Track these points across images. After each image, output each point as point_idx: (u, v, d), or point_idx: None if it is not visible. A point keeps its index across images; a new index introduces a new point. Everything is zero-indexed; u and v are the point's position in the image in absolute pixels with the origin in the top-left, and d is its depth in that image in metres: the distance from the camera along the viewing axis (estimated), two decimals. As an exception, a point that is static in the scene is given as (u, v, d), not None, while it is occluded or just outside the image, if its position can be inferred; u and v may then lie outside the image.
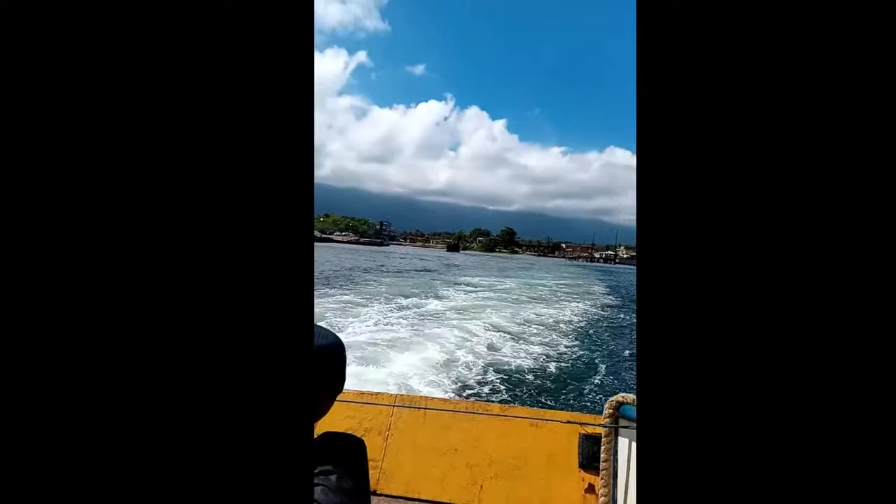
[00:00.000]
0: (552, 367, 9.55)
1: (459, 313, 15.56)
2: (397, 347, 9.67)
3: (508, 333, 12.70)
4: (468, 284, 27.88)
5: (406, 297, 19.04)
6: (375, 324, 12.65)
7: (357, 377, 7.45)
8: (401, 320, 13.30)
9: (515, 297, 22.65)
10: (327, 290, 19.23)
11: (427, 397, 3.39)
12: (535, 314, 17.14)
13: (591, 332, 14.16)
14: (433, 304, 17.41)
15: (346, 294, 18.15)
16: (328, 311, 13.59)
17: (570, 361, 10.20)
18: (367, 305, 15.36)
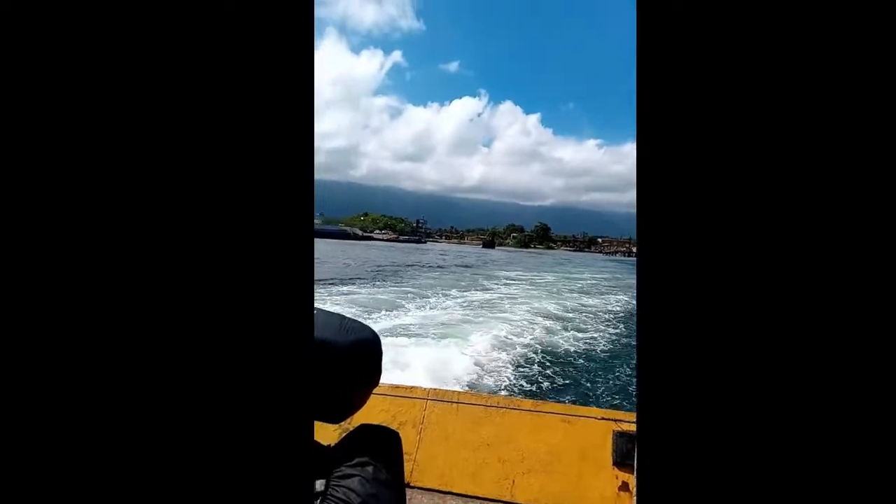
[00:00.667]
0: (588, 356, 10.79)
1: (510, 301, 17.18)
2: (466, 329, 11.29)
3: (558, 320, 14.16)
4: (508, 279, 29.13)
5: (458, 289, 20.72)
6: (444, 308, 14.49)
7: (441, 346, 9.01)
8: (459, 307, 14.92)
9: (556, 289, 23.92)
10: (386, 284, 20.99)
11: (459, 392, 3.51)
12: (580, 303, 18.49)
13: (630, 324, 14.93)
14: (483, 295, 18.98)
15: (402, 287, 19.91)
16: (398, 298, 15.27)
17: (607, 353, 11.35)
18: (425, 297, 17.06)
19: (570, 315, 15.32)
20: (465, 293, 19.18)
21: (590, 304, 18.94)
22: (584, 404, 6.95)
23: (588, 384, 8.22)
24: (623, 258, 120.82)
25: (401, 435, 0.75)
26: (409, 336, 10.20)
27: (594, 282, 31.29)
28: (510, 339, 10.75)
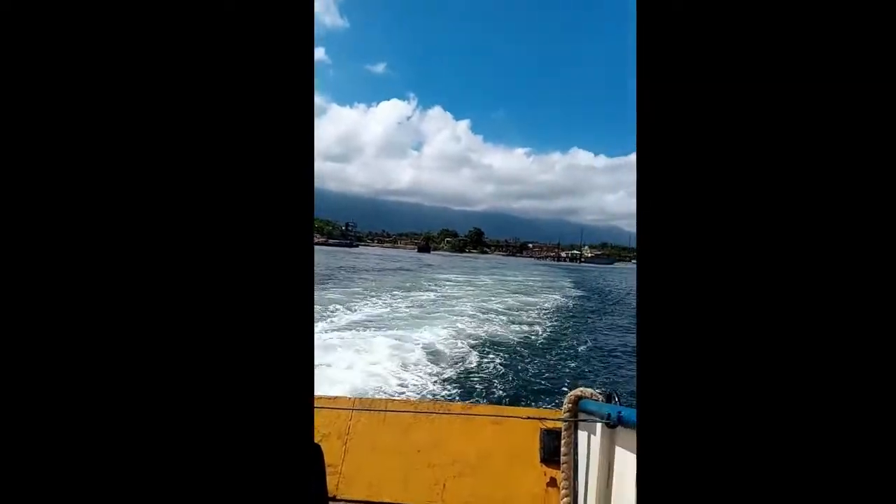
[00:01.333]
0: (528, 344, 12.04)
1: (455, 300, 18.47)
2: (415, 324, 12.20)
3: (500, 314, 15.57)
4: (448, 281, 30.30)
5: (403, 290, 21.63)
6: (394, 307, 15.43)
7: (402, 339, 9.84)
8: (404, 306, 15.79)
9: (495, 290, 25.50)
10: (328, 286, 21.34)
11: (387, 399, 3.24)
12: (518, 301, 20.15)
13: (558, 322, 16.32)
14: (428, 295, 20.05)
15: (348, 288, 20.41)
16: (337, 301, 15.80)
17: (544, 341, 12.67)
18: (370, 297, 17.74)
19: (510, 310, 16.79)
20: (410, 294, 20.12)
21: (528, 300, 20.72)
22: (524, 389, 7.66)
23: (528, 367, 9.22)
24: (552, 262, 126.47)
25: (325, 447, 0.72)
26: (368, 329, 11.02)
27: (528, 283, 33.27)
28: (462, 329, 11.96)
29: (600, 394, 2.06)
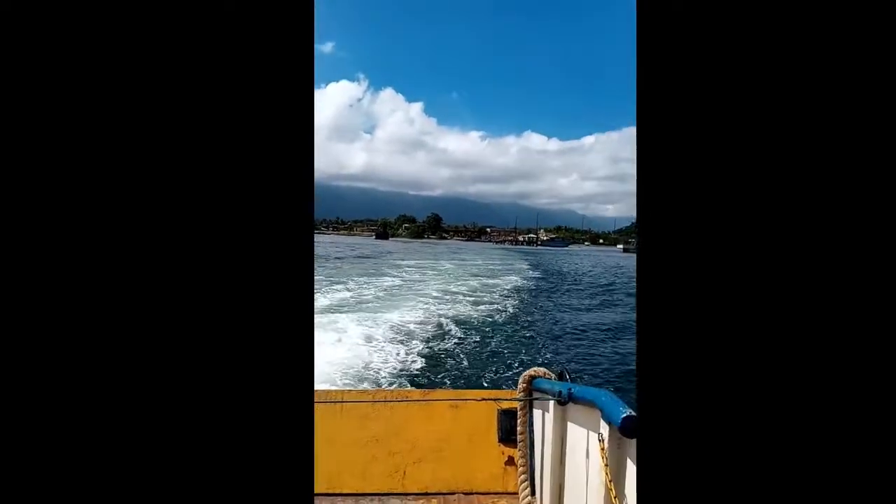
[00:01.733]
0: (492, 323, 12.83)
1: (419, 284, 19.25)
2: (386, 306, 12.85)
3: (464, 295, 16.44)
4: (410, 267, 30.82)
5: (367, 276, 22.12)
6: (362, 292, 15.88)
7: (374, 319, 10.36)
8: (377, 289, 16.48)
9: (457, 274, 26.44)
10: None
11: (343, 390, 3.23)
12: (480, 283, 21.24)
13: (517, 301, 17.26)
14: (393, 281, 20.62)
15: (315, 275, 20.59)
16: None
17: (505, 318, 13.49)
18: (342, 282, 18.16)
19: (473, 292, 17.71)
20: (374, 280, 20.56)
21: (489, 283, 21.77)
22: (485, 368, 7.82)
23: (490, 345, 9.82)
24: (510, 246, 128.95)
25: None
26: (343, 312, 11.52)
27: (489, 267, 34.32)
28: (430, 309, 12.74)
29: (553, 372, 2.12)
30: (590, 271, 35.71)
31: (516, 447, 2.32)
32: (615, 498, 1.26)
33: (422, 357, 8.24)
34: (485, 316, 12.87)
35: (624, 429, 1.23)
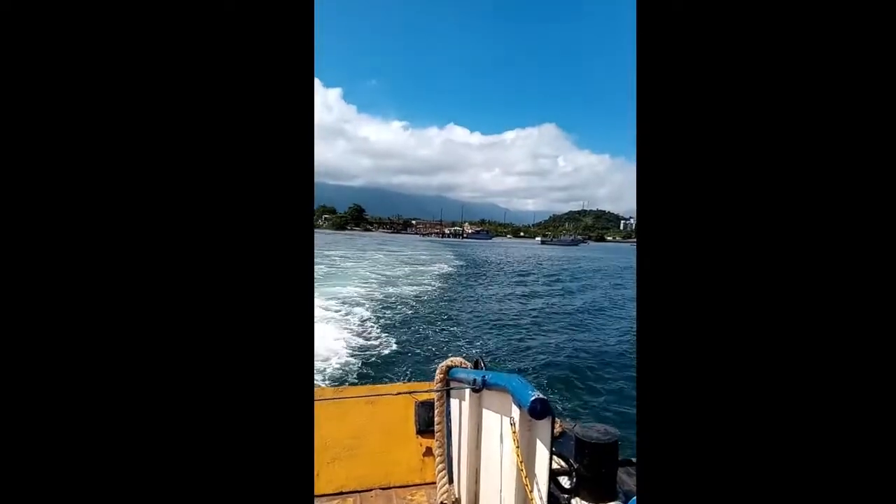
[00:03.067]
0: (422, 301, 14.41)
1: (352, 271, 20.72)
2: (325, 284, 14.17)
3: (398, 279, 18.18)
4: (340, 257, 31.55)
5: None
6: None
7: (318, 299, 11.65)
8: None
9: (388, 262, 28.09)
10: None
11: None
12: (411, 269, 23.22)
13: (444, 286, 18.36)
14: (326, 269, 21.57)
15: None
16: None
17: (435, 298, 15.11)
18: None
19: (405, 276, 19.51)
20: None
21: (419, 269, 23.75)
22: (405, 361, 7.71)
23: (419, 330, 10.32)
24: (437, 238, 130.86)
25: None
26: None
27: (418, 257, 36.05)
28: (370, 291, 14.21)
29: (468, 361, 2.11)
30: (512, 260, 38.44)
31: (433, 437, 2.31)
32: (526, 477, 1.31)
33: (353, 353, 8.08)
34: (416, 294, 14.37)
35: (532, 410, 1.26)
